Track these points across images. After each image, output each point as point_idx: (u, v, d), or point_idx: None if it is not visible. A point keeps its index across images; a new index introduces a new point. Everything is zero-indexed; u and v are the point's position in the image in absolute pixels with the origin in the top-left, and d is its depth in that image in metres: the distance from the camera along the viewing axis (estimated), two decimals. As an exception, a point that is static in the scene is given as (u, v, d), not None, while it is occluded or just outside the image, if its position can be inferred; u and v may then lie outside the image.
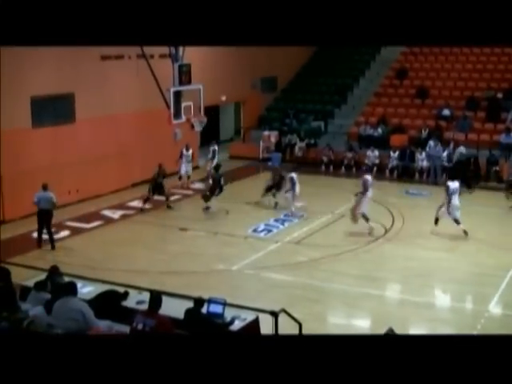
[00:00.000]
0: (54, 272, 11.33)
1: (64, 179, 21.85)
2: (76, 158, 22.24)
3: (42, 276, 11.32)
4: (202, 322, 10.01)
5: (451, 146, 26.53)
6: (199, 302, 10.29)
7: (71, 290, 9.25)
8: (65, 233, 19.61)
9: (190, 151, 24.83)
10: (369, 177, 19.69)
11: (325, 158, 28.25)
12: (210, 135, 30.20)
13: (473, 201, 21.72)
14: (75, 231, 19.77)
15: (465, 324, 13.38)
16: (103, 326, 9.29)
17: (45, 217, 18.06)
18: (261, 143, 30.02)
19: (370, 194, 19.20)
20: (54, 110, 21.68)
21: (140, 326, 8.81)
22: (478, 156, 25.71)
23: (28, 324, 7.90)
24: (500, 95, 29.07)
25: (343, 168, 27.92)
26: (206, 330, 9.75)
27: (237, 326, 10.30)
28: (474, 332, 12.46)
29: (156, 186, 21.79)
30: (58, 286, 10.38)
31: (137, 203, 22.47)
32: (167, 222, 20.64)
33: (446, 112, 28.99)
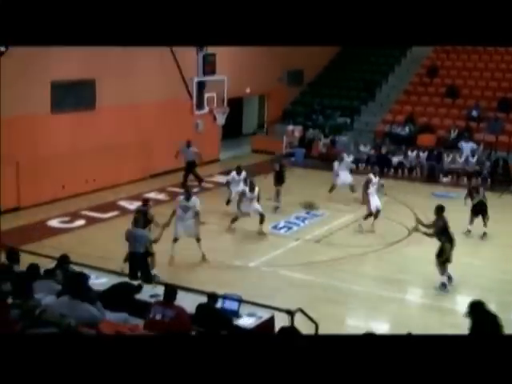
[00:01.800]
0: (63, 261, 11.01)
1: (81, 167, 21.58)
2: (94, 147, 21.86)
3: (53, 264, 11.03)
4: (215, 318, 9.75)
5: (481, 148, 26.00)
6: (213, 297, 10.08)
7: (79, 288, 8.71)
8: (80, 222, 19.32)
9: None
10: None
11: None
12: (232, 128, 29.80)
13: (501, 206, 21.07)
14: (91, 221, 19.46)
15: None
16: (118, 318, 9.12)
17: None
18: (284, 138, 29.54)
19: None
20: (74, 95, 21.27)
21: (159, 317, 8.83)
22: (508, 159, 25.02)
23: (40, 313, 7.71)
24: (533, 97, 28.37)
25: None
26: (219, 326, 9.49)
27: (252, 323, 10.08)
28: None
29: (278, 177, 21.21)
30: (68, 277, 10.01)
31: (154, 194, 22.08)
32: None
33: (474, 113, 28.35)
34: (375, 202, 18.94)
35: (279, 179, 21.12)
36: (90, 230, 18.74)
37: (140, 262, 13.59)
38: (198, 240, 16.18)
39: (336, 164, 22.54)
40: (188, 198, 16.28)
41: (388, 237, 18.38)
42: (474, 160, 25.78)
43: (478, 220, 18.59)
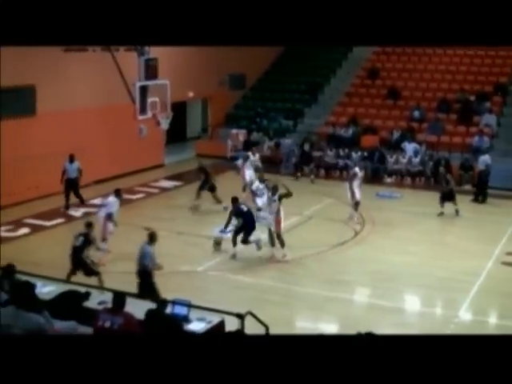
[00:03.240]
0: (9, 271, 10.80)
1: (24, 174, 21.15)
2: (36, 153, 21.49)
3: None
4: (165, 324, 9.69)
5: (423, 148, 26.39)
6: (162, 302, 10.05)
7: (24, 297, 8.57)
8: (24, 230, 19.02)
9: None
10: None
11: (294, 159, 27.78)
12: (176, 132, 29.69)
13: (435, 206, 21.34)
14: (35, 229, 19.17)
15: (433, 329, 13.05)
16: (67, 327, 9.07)
17: None
18: (228, 141, 29.53)
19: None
20: (14, 102, 20.76)
21: (108, 324, 8.70)
22: (449, 159, 25.36)
23: None
24: (472, 98, 28.80)
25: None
26: (169, 332, 9.41)
27: (202, 328, 10.07)
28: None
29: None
30: (13, 286, 9.81)
31: (98, 201, 21.78)
32: (130, 220, 19.92)
33: (416, 114, 28.74)
34: (359, 193, 19.87)
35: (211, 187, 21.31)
36: (35, 238, 18.45)
37: (140, 280, 13.47)
38: None
39: (240, 162, 22.99)
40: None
41: (332, 238, 18.54)
42: (417, 160, 26.17)
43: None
